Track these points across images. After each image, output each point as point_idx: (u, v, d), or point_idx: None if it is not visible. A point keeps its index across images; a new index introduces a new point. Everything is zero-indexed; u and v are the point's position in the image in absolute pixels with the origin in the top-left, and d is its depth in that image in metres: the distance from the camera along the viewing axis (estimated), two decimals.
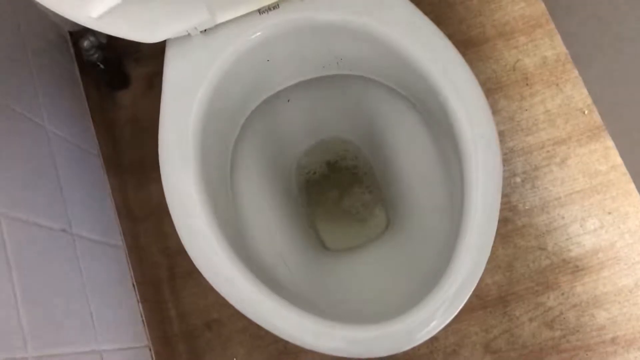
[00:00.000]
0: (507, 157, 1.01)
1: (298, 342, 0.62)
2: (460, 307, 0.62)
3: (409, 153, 0.78)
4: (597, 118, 1.01)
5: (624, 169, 0.99)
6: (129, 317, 0.87)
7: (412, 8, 0.67)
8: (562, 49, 1.04)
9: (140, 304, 0.91)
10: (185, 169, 0.65)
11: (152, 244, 1.02)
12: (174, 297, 1.00)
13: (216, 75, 0.67)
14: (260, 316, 0.62)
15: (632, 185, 0.98)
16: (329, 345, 0.61)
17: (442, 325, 0.62)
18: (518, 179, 1.00)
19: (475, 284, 0.62)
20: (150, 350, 0.89)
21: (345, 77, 0.76)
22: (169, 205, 0.66)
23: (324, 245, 0.87)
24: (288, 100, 0.80)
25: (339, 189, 0.91)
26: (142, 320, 0.91)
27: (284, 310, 0.61)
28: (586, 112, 1.01)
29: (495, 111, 1.03)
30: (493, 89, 1.04)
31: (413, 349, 0.96)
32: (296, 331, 0.61)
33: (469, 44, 1.07)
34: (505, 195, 1.00)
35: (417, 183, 0.78)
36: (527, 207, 0.99)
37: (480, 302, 0.96)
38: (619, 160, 0.99)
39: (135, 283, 0.93)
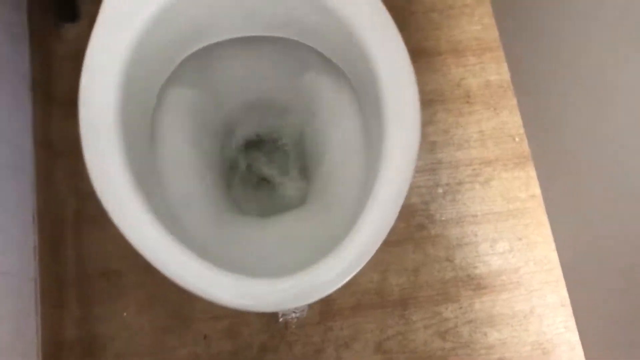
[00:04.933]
0: (435, 168, 1.03)
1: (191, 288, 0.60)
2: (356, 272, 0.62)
3: (338, 127, 0.78)
4: (525, 147, 1.04)
5: (541, 200, 1.02)
6: (20, 246, 0.83)
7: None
8: (506, 75, 1.07)
9: (36, 237, 0.88)
10: (105, 98, 0.63)
11: (65, 181, 0.99)
12: (75, 239, 0.97)
13: (159, 5, 0.66)
14: (159, 259, 0.60)
15: (546, 217, 1.01)
16: (221, 295, 0.60)
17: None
18: (440, 190, 1.02)
19: (370, 255, 0.62)
20: (35, 283, 0.86)
21: (291, 43, 0.75)
22: (81, 132, 0.64)
23: (240, 207, 0.86)
24: (228, 53, 0.79)
25: (263, 154, 0.90)
26: (34, 254, 0.87)
27: (183, 256, 0.59)
28: (517, 139, 1.04)
29: (432, 122, 1.05)
30: (435, 100, 1.06)
31: (306, 336, 0.95)
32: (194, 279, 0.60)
33: (422, 53, 1.09)
34: (425, 203, 1.01)
35: (342, 158, 0.77)
36: (443, 218, 1.01)
37: (381, 301, 0.97)
38: (538, 191, 1.02)
39: (36, 215, 0.89)
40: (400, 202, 0.63)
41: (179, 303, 0.96)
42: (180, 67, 0.74)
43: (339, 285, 0.61)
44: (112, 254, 0.97)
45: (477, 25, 1.10)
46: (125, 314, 0.95)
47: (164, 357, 0.94)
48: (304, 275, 0.59)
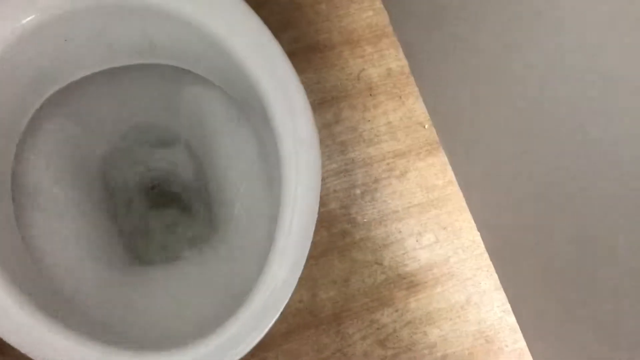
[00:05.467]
0: (349, 168, 0.97)
1: None
2: (260, 337, 0.56)
3: (232, 152, 0.71)
4: (436, 133, 1.00)
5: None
6: None
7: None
8: (405, 61, 1.03)
9: None
10: None
11: None
12: None
13: None
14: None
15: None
16: None
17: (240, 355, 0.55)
18: (358, 191, 0.97)
19: (284, 304, 0.56)
20: None
21: (163, 67, 0.67)
22: None
23: (136, 256, 0.77)
24: (96, 90, 0.70)
25: (156, 193, 0.81)
26: None
27: (66, 342, 0.51)
28: (426, 126, 1.00)
29: (338, 120, 0.99)
30: (338, 97, 1.01)
31: None
32: None
33: (315, 48, 1.03)
34: (344, 207, 0.96)
35: (241, 187, 0.70)
36: (365, 220, 0.96)
37: (314, 320, 0.91)
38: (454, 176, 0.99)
39: None
40: (310, 235, 0.57)
41: None
42: (36, 117, 0.64)
43: (255, 342, 0.55)
44: None
45: (368, 12, 1.05)
46: None
47: None
48: (212, 340, 0.52)
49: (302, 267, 0.57)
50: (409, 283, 0.94)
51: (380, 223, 0.96)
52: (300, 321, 0.91)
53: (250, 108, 0.65)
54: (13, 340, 0.50)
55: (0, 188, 0.60)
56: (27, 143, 0.66)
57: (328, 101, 1.00)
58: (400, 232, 0.96)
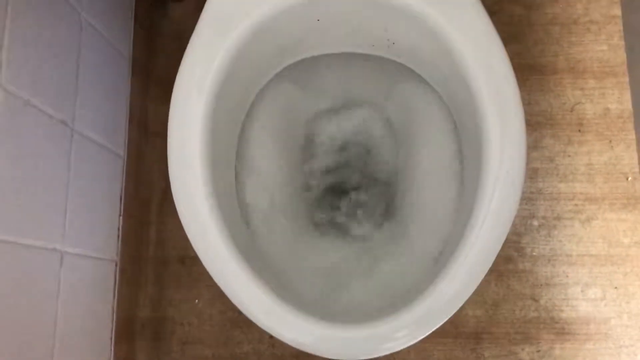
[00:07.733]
0: (533, 197, 0.96)
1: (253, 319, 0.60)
2: (430, 332, 0.60)
3: (431, 160, 0.73)
4: (639, 188, 0.94)
5: None
6: (105, 228, 0.85)
7: (484, 16, 0.62)
8: (628, 105, 0.97)
9: (121, 218, 0.89)
10: (198, 99, 0.62)
11: (155, 163, 1.00)
12: (159, 221, 0.98)
13: (262, 16, 0.63)
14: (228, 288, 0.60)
15: None
16: (281, 331, 0.59)
17: (406, 345, 0.60)
18: (535, 223, 0.95)
19: (451, 313, 0.60)
20: (116, 265, 0.88)
21: (390, 63, 0.71)
22: (168, 129, 0.64)
23: (318, 225, 0.83)
24: (324, 66, 0.76)
25: (349, 174, 0.86)
26: (118, 235, 0.89)
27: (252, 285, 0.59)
28: (630, 178, 0.95)
29: (537, 147, 0.97)
30: (543, 123, 0.98)
31: None
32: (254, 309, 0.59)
33: (535, 69, 1.00)
34: (516, 234, 0.95)
35: (430, 180, 0.73)
36: (534, 253, 0.94)
37: (454, 330, 0.93)
38: None
39: (123, 196, 0.91)
40: (487, 267, 0.60)
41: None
42: (274, 78, 0.71)
43: (412, 342, 0.59)
44: None
45: (602, 46, 1.00)
46: (197, 301, 0.96)
47: (228, 350, 0.94)
48: (391, 321, 0.57)
49: (471, 292, 0.60)
50: (560, 329, 0.92)
51: (549, 261, 0.94)
52: (440, 327, 0.93)
53: (464, 128, 0.67)
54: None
55: (235, 124, 0.69)
56: (262, 95, 0.73)
57: (531, 125, 0.98)
58: (567, 276, 0.93)
